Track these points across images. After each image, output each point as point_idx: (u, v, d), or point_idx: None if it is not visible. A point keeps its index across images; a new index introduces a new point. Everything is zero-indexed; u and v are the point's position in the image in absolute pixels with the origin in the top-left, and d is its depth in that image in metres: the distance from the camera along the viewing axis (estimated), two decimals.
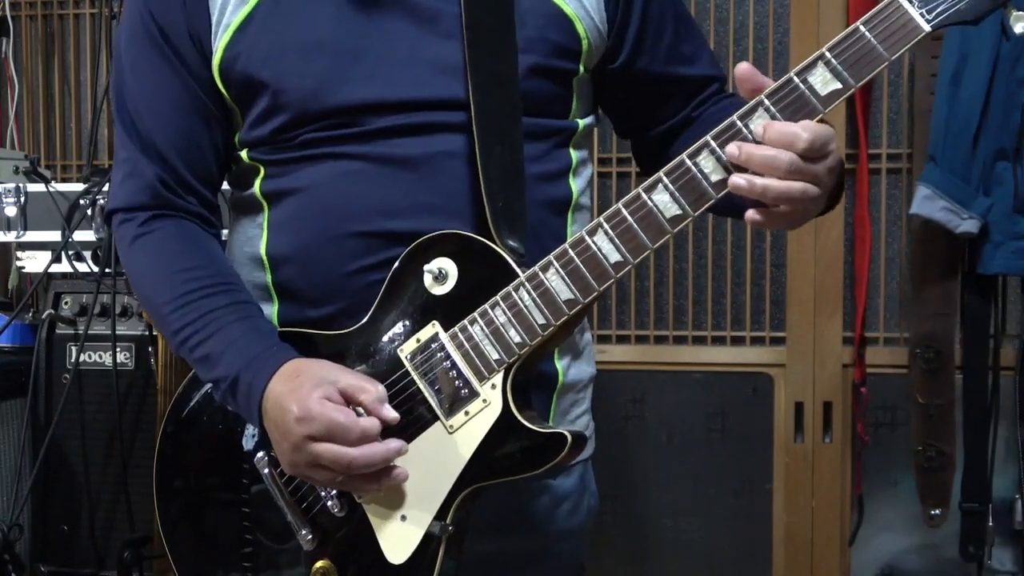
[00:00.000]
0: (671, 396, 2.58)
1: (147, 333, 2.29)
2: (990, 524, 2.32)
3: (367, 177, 1.15)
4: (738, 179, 1.00)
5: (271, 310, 1.22)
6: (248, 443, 1.20)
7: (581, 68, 1.21)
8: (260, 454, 1.17)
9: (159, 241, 1.21)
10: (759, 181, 0.99)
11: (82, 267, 2.33)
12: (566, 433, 1.06)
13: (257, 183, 1.22)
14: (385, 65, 1.14)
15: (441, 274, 1.11)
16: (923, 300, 2.36)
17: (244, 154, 1.22)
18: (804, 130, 0.98)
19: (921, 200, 2.22)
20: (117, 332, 2.29)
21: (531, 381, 1.13)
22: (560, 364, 1.24)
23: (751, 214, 1.03)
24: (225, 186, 1.31)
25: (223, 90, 1.19)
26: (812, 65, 0.99)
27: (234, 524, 1.21)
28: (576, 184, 1.24)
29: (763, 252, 2.56)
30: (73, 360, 2.31)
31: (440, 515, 1.09)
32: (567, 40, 1.19)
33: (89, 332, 2.30)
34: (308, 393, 1.06)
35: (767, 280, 2.56)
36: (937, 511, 2.35)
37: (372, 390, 1.07)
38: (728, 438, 2.56)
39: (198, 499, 1.26)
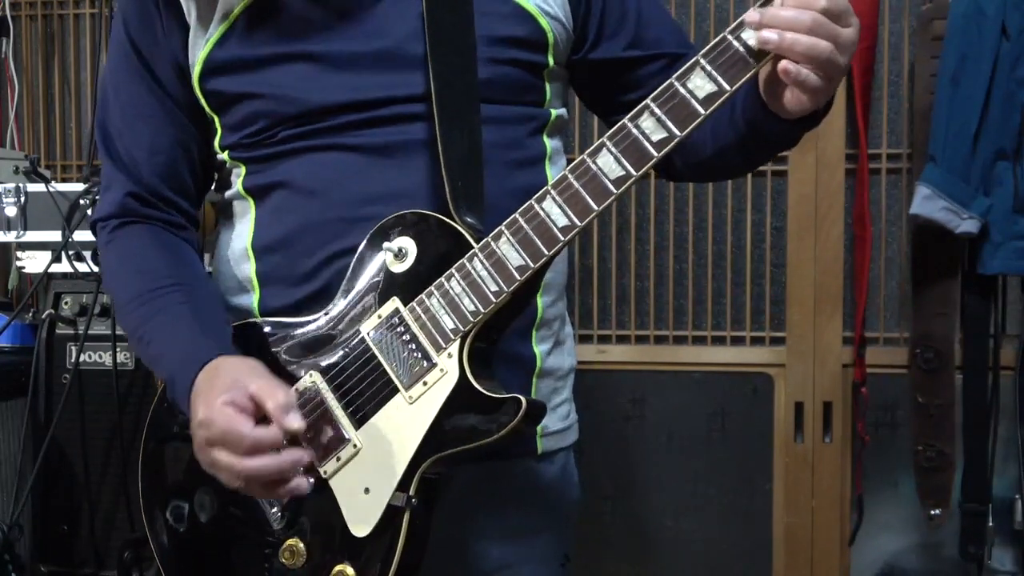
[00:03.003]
0: (671, 396, 2.58)
1: None
2: (990, 524, 2.32)
3: (345, 166, 1.19)
4: (768, 34, 1.00)
5: (253, 300, 1.26)
6: None
7: (551, 60, 1.26)
8: None
9: (126, 243, 1.28)
10: (788, 35, 1.00)
11: (82, 267, 2.32)
12: (521, 397, 1.08)
13: (239, 181, 1.26)
14: (355, 66, 1.20)
15: (401, 252, 1.15)
16: (923, 300, 2.36)
17: (225, 155, 1.27)
18: None
19: (921, 200, 2.22)
20: (117, 332, 2.28)
21: (496, 356, 1.16)
22: (539, 349, 1.27)
23: (784, 64, 1.01)
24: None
25: (203, 101, 1.25)
26: (739, 26, 1.03)
27: (207, 510, 1.23)
28: (552, 172, 1.28)
29: (763, 252, 2.56)
30: (73, 360, 2.30)
31: (402, 486, 1.11)
32: (530, 33, 1.24)
33: (89, 332, 2.29)
34: (215, 397, 1.08)
35: (767, 280, 2.56)
36: (937, 511, 2.35)
37: (280, 397, 1.07)
38: (728, 438, 2.56)
39: (172, 489, 1.28)
